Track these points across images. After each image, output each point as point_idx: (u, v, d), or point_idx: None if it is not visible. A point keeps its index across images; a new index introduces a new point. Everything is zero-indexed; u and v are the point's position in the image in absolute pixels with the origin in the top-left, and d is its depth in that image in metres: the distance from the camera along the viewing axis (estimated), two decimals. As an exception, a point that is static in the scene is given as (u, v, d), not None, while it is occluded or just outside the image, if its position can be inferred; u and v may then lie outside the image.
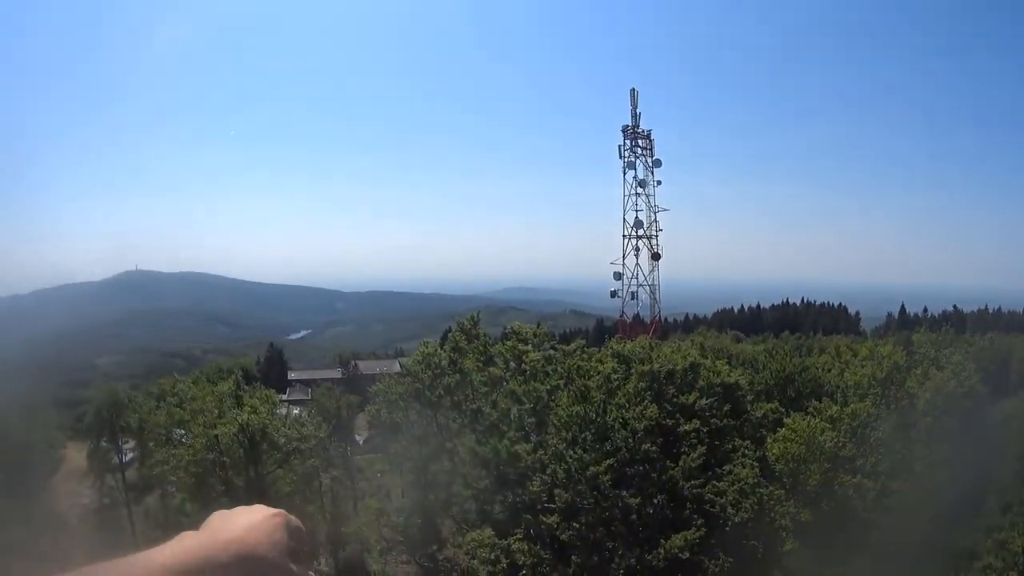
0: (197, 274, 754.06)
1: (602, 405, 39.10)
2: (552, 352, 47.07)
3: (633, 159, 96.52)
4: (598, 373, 42.52)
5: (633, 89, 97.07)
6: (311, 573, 1.66)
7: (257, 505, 1.74)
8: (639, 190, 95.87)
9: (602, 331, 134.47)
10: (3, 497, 58.03)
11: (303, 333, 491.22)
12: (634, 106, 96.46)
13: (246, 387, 54.77)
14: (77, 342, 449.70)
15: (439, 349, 49.73)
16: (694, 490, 38.04)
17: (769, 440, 46.15)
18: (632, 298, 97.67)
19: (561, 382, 42.57)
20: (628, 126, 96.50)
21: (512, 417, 41.70)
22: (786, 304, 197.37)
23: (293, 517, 1.75)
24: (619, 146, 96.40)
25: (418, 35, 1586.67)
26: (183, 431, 52.79)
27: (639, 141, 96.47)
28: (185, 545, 1.53)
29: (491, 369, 45.65)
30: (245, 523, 1.62)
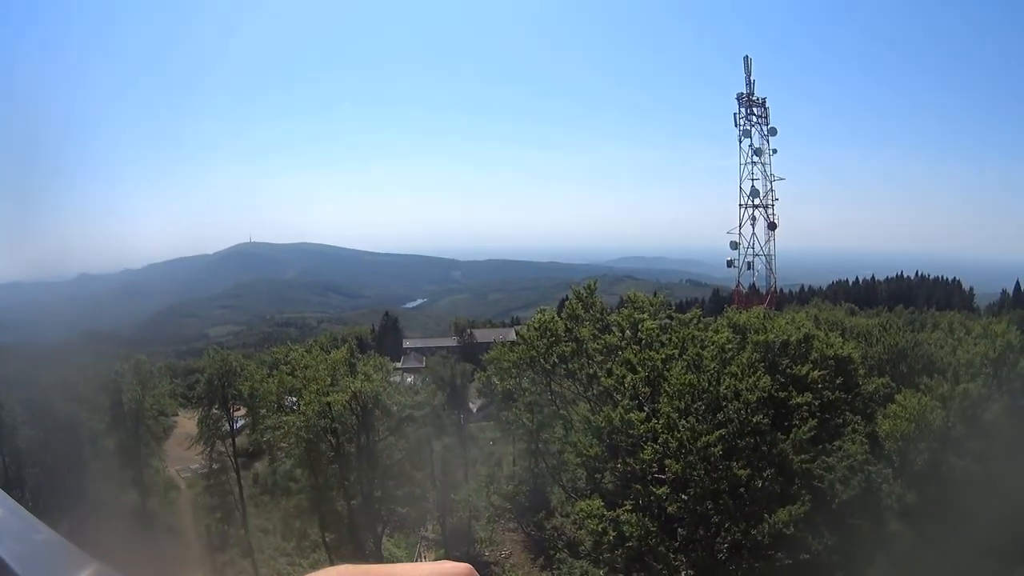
0: (311, 245, 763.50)
1: (716, 375, 39.32)
2: (668, 321, 47.64)
3: (748, 127, 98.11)
4: (713, 343, 42.75)
5: (746, 56, 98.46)
6: None
7: (445, 561, 1.52)
8: (755, 159, 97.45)
9: (718, 301, 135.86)
10: (117, 462, 62.01)
11: (419, 302, 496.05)
12: (748, 73, 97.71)
13: (360, 355, 57.54)
14: (190, 314, 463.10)
15: (556, 317, 50.63)
16: (803, 465, 38.50)
17: (879, 416, 46.30)
18: (748, 268, 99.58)
19: (676, 351, 42.36)
20: (743, 94, 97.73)
21: (626, 385, 41.99)
22: (900, 277, 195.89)
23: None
24: (734, 114, 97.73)
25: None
26: (295, 398, 54.40)
27: (754, 109, 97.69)
28: None
29: (607, 337, 46.46)
30: (410, 568, 1.45)
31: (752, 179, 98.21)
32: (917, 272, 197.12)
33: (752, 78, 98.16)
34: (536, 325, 50.70)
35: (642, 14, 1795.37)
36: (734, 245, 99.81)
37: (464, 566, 1.48)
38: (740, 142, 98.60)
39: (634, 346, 44.49)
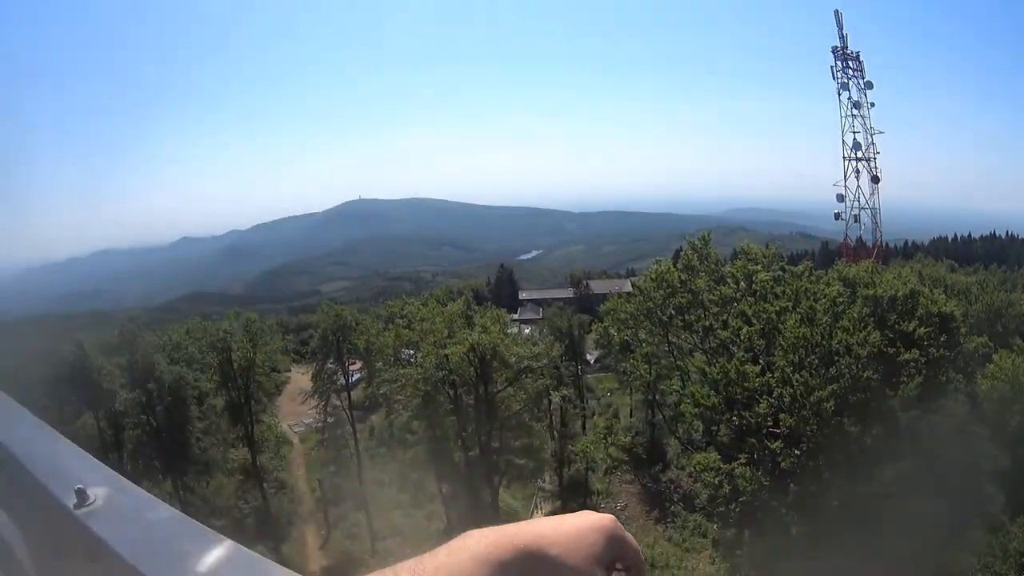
0: (422, 200, 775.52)
1: (828, 329, 40.16)
2: (781, 273, 48.19)
3: (846, 80, 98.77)
4: (825, 296, 43.26)
5: (837, 10, 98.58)
6: None
7: (589, 512, 1.54)
8: (854, 111, 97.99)
9: (828, 254, 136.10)
10: (227, 420, 64.94)
11: (534, 254, 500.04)
12: (840, 27, 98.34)
13: (476, 307, 59.28)
14: (301, 271, 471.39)
15: (672, 268, 51.55)
16: (911, 423, 39.11)
17: (979, 376, 46.86)
18: (855, 221, 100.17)
19: (789, 304, 43.25)
20: (837, 47, 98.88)
21: (742, 338, 43.10)
22: (993, 236, 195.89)
23: (621, 527, 1.53)
24: (831, 67, 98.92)
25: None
26: (411, 351, 55.76)
27: (849, 63, 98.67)
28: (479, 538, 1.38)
29: (722, 288, 47.30)
30: (555, 523, 1.45)
31: (853, 132, 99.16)
32: (1007, 232, 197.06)
33: (845, 31, 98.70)
34: (652, 276, 51.79)
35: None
36: (841, 198, 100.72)
37: (608, 517, 1.53)
38: (839, 95, 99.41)
39: (749, 298, 45.47)
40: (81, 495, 2.01)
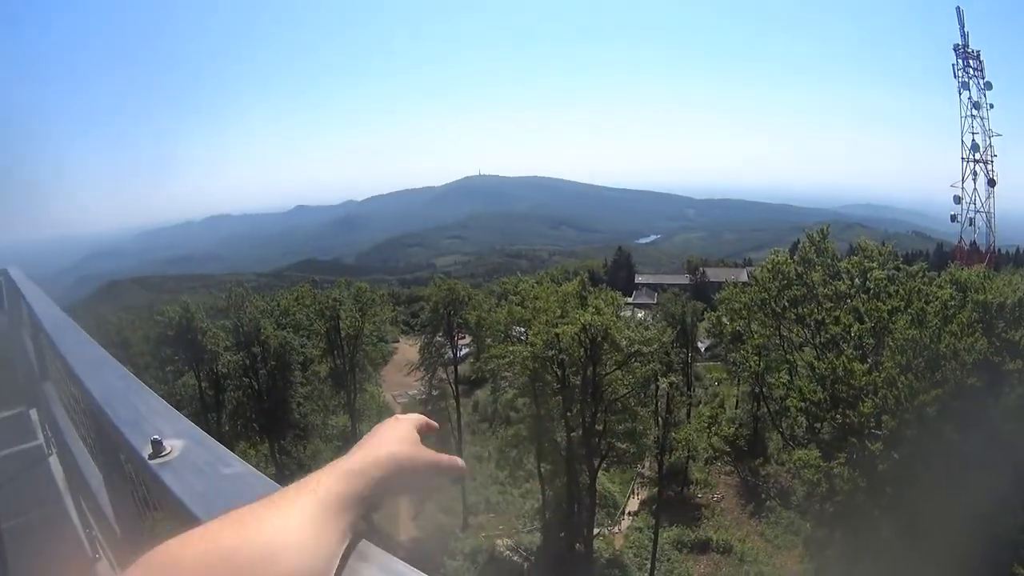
0: (543, 178, 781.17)
1: (937, 332, 39.23)
2: (895, 272, 47.10)
3: (966, 79, 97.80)
4: (936, 298, 41.94)
5: (959, 7, 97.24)
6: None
7: (399, 416, 1.85)
8: (974, 112, 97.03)
9: (942, 256, 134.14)
10: (330, 387, 66.75)
11: (652, 238, 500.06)
12: (961, 25, 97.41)
13: (591, 289, 59.05)
14: (416, 243, 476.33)
15: (788, 259, 51.75)
16: (1011, 435, 37.44)
17: None
18: (970, 224, 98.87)
19: (901, 304, 42.49)
20: (959, 45, 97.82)
21: (852, 335, 43.01)
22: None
23: (420, 416, 1.87)
24: (952, 65, 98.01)
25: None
26: (522, 329, 56.49)
27: (970, 61, 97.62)
28: (361, 454, 1.62)
29: (836, 283, 47.24)
30: (395, 436, 1.71)
31: (972, 132, 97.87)
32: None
33: (966, 29, 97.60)
34: (769, 266, 51.97)
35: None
36: (958, 200, 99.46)
37: (415, 415, 1.88)
38: (960, 94, 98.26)
39: (862, 295, 45.30)
40: (157, 446, 2.19)
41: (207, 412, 60.01)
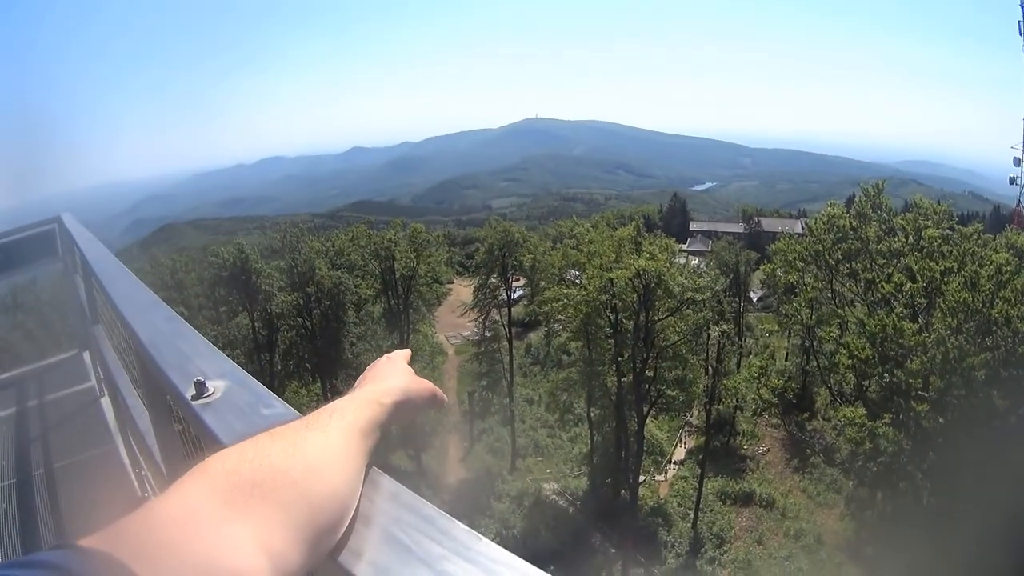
0: (600, 123, 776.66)
1: (990, 296, 38.87)
2: (950, 232, 47.33)
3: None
4: (991, 262, 41.19)
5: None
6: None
7: (390, 354, 1.99)
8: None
9: (999, 219, 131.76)
10: (384, 328, 66.26)
11: (708, 185, 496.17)
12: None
13: (646, 234, 59.04)
14: (472, 185, 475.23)
15: (844, 212, 51.84)
16: None
17: None
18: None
19: (955, 265, 42.24)
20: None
21: (904, 293, 43.06)
22: None
23: (408, 351, 2.02)
24: (1018, 22, 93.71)
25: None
26: (577, 272, 57.31)
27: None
28: (373, 386, 1.77)
29: (891, 240, 47.27)
30: (398, 370, 1.88)
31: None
32: None
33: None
34: (824, 218, 52.31)
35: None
36: (1017, 162, 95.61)
37: (404, 351, 2.05)
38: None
39: (916, 253, 45.07)
40: (200, 387, 2.22)
41: (260, 352, 61.38)
